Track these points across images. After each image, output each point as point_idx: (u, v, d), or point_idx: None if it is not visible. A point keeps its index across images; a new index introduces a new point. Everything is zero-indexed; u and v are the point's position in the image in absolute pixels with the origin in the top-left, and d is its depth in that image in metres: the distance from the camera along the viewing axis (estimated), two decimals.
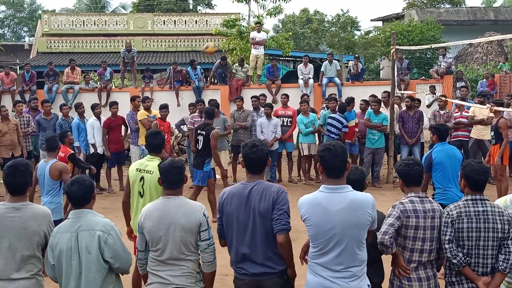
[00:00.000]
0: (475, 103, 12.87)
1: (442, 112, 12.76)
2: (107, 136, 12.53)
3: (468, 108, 12.58)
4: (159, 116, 12.55)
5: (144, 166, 5.82)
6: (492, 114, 11.54)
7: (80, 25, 30.78)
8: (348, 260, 3.97)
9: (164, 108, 12.37)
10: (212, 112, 10.13)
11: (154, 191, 5.64)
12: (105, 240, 4.18)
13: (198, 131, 9.91)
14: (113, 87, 18.01)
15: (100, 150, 12.45)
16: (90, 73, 19.73)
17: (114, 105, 12.79)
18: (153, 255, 4.42)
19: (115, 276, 4.37)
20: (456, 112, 12.81)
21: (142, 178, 5.78)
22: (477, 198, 4.42)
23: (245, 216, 4.33)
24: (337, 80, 17.98)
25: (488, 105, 10.67)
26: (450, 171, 7.22)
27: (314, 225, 4.01)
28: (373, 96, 13.29)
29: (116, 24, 31.12)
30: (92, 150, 12.48)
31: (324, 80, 17.92)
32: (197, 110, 12.75)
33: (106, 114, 13.23)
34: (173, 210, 4.36)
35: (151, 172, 5.67)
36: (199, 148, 9.83)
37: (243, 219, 4.34)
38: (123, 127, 13.12)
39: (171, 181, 4.46)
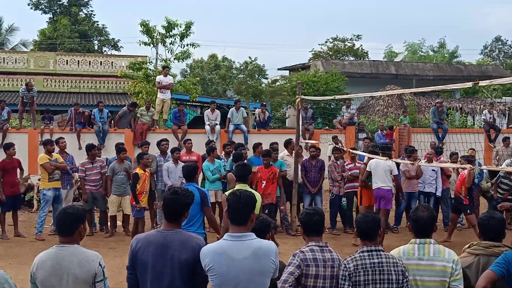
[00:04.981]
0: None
1: (338, 162, 13.04)
2: (2, 179, 11.94)
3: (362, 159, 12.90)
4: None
5: None
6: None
7: None
8: None
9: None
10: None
11: None
12: None
13: None
14: (10, 128, 17.25)
15: None
16: None
17: (11, 147, 12.27)
18: None
19: None
20: (350, 164, 13.07)
21: None
22: (373, 249, 4.45)
23: (162, 265, 4.17)
24: (243, 127, 18.15)
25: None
26: None
27: (219, 274, 3.92)
28: (273, 143, 13.48)
29: (16, 62, 30.25)
30: None
31: (231, 127, 18.04)
32: (89, 156, 12.39)
33: (1, 156, 12.63)
34: (66, 260, 4.12)
35: None
36: None
37: (160, 268, 4.18)
38: (18, 170, 12.63)
39: (62, 228, 4.24)
